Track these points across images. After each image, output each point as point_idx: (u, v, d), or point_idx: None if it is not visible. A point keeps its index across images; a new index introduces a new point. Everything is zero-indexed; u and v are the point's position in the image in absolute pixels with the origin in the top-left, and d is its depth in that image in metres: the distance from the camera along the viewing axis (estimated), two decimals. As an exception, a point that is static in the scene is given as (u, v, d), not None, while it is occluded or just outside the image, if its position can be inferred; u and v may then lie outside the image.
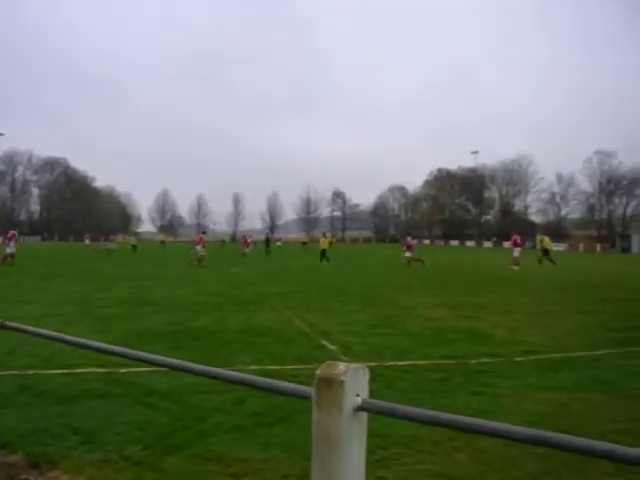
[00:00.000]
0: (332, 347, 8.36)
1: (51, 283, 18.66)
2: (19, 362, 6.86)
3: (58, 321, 10.35)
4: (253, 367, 7.00)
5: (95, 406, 5.34)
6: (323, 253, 32.72)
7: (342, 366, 2.19)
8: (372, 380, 6.01)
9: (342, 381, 2.12)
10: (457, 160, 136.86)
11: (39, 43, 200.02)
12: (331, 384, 2.13)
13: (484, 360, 7.58)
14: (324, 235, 37.55)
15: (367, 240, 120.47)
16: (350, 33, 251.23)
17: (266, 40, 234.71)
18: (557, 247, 65.95)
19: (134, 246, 53.55)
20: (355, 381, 2.19)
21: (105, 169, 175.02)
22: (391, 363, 7.33)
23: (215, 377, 2.76)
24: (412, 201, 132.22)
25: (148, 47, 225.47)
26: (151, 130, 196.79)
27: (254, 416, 5.01)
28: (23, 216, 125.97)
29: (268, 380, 2.51)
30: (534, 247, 50.13)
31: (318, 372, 2.19)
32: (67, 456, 4.10)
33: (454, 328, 10.08)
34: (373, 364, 7.23)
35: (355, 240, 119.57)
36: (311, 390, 2.23)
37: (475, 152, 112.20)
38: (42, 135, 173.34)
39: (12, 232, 28.69)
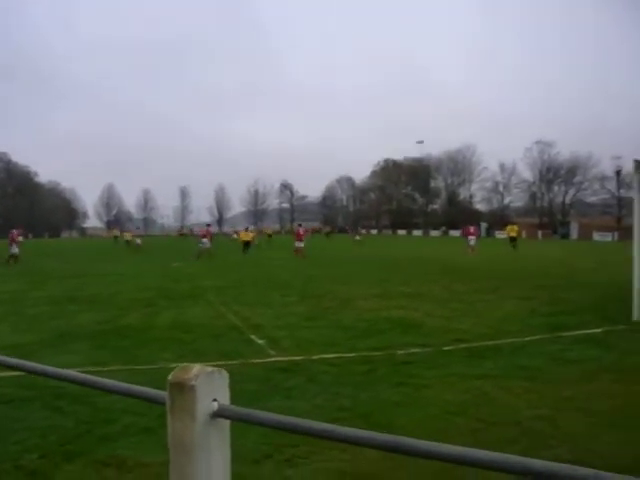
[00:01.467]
0: (260, 341, 8.21)
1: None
2: None
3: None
4: (174, 365, 6.76)
5: (0, 412, 5.06)
6: (246, 245, 34.66)
7: (195, 369, 2.03)
8: (295, 374, 5.89)
9: (193, 386, 1.95)
10: (405, 151, 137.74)
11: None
12: (182, 389, 1.97)
13: (412, 350, 7.56)
14: (246, 229, 40.19)
15: (316, 231, 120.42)
16: (303, 31, 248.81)
17: (220, 35, 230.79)
18: (501, 235, 67.38)
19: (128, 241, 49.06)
20: (210, 385, 2.02)
21: (48, 164, 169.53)
22: (317, 356, 7.22)
23: (68, 380, 2.53)
24: (360, 192, 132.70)
25: (96, 36, 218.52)
26: (94, 123, 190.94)
27: (165, 416, 4.77)
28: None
29: (124, 384, 2.33)
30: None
31: (169, 377, 2.02)
32: (-48, 469, 3.84)
33: (387, 318, 10.03)
34: (299, 358, 7.13)
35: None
36: (165, 395, 2.06)
37: (420, 142, 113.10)
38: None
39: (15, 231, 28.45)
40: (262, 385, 5.93)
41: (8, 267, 24.88)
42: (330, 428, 1.81)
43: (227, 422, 2.12)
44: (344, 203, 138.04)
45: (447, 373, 6.38)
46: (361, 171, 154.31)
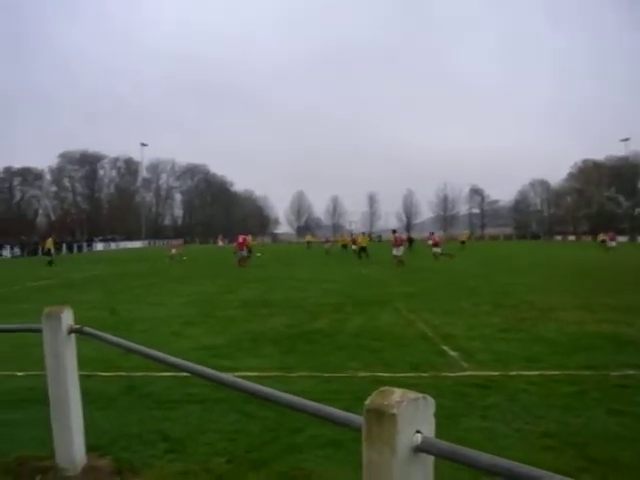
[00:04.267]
0: (452, 353, 7.76)
1: (182, 285, 19.40)
2: (132, 363, 6.96)
3: (179, 322, 10.61)
4: (362, 374, 6.61)
5: (192, 412, 5.23)
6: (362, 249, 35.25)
7: (397, 395, 1.74)
8: (492, 391, 5.39)
9: (394, 415, 1.67)
10: (606, 150, 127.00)
11: (170, 61, 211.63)
12: (382, 417, 1.69)
13: (628, 372, 6.61)
14: (363, 234, 42.35)
15: (508, 237, 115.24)
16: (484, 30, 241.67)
17: (396, 39, 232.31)
18: None
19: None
20: (414, 414, 1.72)
21: (243, 174, 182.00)
22: (516, 373, 6.62)
23: (261, 397, 2.36)
24: (555, 195, 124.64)
25: (276, 50, 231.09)
26: (284, 133, 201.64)
27: (355, 430, 4.55)
28: (168, 221, 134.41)
29: (315, 404, 2.11)
30: None
31: (367, 402, 1.76)
32: (150, 465, 3.98)
33: (594, 333, 9.00)
34: (495, 373, 6.59)
35: (495, 237, 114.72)
36: (360, 421, 1.80)
37: (625, 139, 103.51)
38: (182, 144, 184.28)
39: (243, 237, 31.52)
40: (456, 402, 5.51)
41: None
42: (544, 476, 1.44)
43: (431, 458, 1.81)
44: (538, 208, 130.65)
45: (676, 403, 5.47)
46: (557, 173, 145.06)
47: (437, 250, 33.87)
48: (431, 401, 1.79)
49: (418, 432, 1.71)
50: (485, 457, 1.59)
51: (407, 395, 1.73)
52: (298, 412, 2.19)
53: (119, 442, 4.42)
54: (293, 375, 6.61)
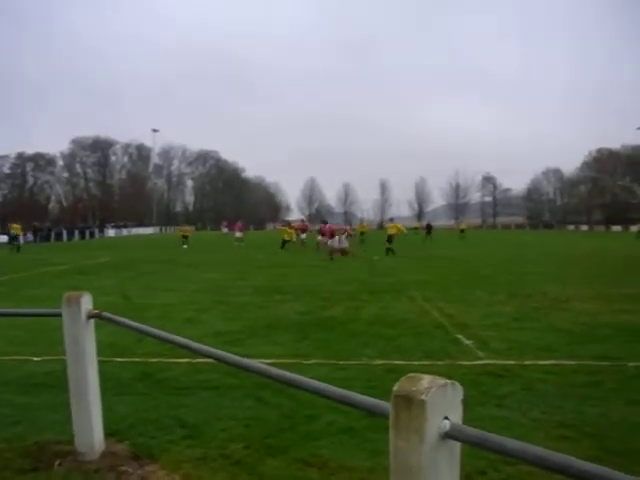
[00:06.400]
0: (467, 342, 7.74)
1: (194, 271, 19.49)
2: (146, 349, 7.02)
3: (192, 308, 10.66)
4: (378, 362, 6.61)
5: (207, 398, 5.25)
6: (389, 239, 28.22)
7: (425, 381, 1.73)
8: (508, 380, 5.37)
9: (423, 401, 1.65)
10: (622, 139, 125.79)
11: (180, 46, 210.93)
12: (410, 404, 1.68)
13: (646, 363, 6.57)
14: (391, 220, 33.91)
15: (520, 226, 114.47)
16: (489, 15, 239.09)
17: (407, 24, 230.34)
18: None
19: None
20: (442, 401, 1.71)
21: (254, 160, 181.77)
22: (531, 362, 6.59)
23: (288, 383, 2.37)
24: (569, 184, 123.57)
25: (288, 33, 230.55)
26: (295, 120, 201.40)
27: (368, 417, 4.49)
28: (179, 207, 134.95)
29: (342, 391, 2.10)
30: None
31: (395, 388, 1.75)
32: (168, 450, 4.00)
33: (609, 324, 8.92)
34: (510, 362, 6.57)
35: (507, 226, 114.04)
36: (387, 407, 1.79)
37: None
38: (194, 130, 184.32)
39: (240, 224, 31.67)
40: (471, 390, 5.48)
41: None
42: (573, 463, 1.42)
43: (458, 445, 1.80)
44: (551, 197, 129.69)
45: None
46: (570, 162, 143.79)
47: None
48: (459, 387, 1.78)
49: (446, 418, 1.70)
50: (514, 443, 1.58)
51: (436, 381, 1.72)
52: (324, 398, 2.19)
53: (136, 428, 4.45)
54: (308, 362, 6.61)
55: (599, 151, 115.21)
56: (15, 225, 37.83)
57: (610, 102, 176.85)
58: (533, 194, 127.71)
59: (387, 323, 9.10)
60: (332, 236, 26.92)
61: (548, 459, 1.51)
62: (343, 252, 25.41)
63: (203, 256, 28.06)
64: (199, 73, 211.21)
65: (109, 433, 4.09)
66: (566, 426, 4.55)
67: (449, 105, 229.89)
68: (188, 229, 39.33)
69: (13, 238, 36.41)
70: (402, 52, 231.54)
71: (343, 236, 26.71)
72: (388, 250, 27.06)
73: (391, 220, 33.44)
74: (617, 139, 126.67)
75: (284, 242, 31.65)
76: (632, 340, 7.79)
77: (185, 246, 36.52)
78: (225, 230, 64.65)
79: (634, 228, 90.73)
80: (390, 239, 27.83)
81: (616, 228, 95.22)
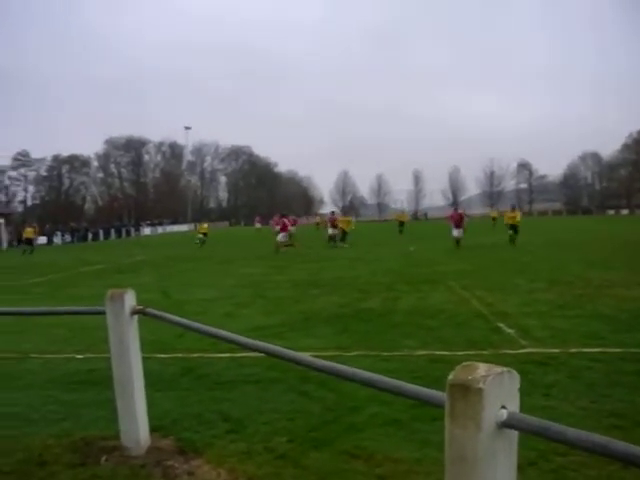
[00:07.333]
0: (509, 330, 7.63)
1: (230, 266, 19.66)
2: (187, 345, 7.08)
3: (231, 303, 10.74)
4: (420, 352, 6.56)
5: (249, 392, 5.27)
6: (514, 228, 25.86)
7: (482, 369, 1.69)
8: (554, 369, 5.27)
9: (480, 389, 1.61)
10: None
11: (209, 42, 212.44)
12: (467, 392, 1.64)
13: (695, 349, 6.38)
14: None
15: (557, 213, 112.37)
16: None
17: (435, 10, 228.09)
18: None
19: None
20: (500, 389, 1.67)
21: (286, 154, 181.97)
22: (577, 350, 6.46)
23: (338, 375, 2.35)
24: (608, 168, 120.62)
25: (318, 29, 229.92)
26: (326, 112, 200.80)
27: (414, 408, 4.45)
28: (213, 204, 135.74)
29: (395, 381, 2.07)
30: None
31: (451, 377, 1.71)
32: (212, 445, 4.02)
33: (656, 310, 8.72)
34: (555, 350, 6.45)
35: (544, 213, 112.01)
36: (444, 397, 1.76)
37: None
38: (226, 126, 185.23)
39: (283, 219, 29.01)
40: (517, 379, 5.40)
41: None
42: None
43: (515, 434, 1.76)
44: (589, 181, 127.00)
45: None
46: (609, 145, 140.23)
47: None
48: (516, 375, 1.74)
49: (503, 407, 1.66)
50: (575, 432, 1.54)
51: (493, 369, 1.68)
52: (377, 389, 2.16)
53: (180, 423, 4.48)
54: (350, 354, 6.59)
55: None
56: (28, 229, 37.58)
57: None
58: (570, 179, 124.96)
59: (426, 314, 9.03)
60: (284, 230, 27.20)
61: (609, 447, 1.46)
62: (287, 245, 26.43)
63: (235, 252, 28.19)
64: (228, 69, 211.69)
65: (154, 428, 4.12)
66: (617, 415, 4.44)
67: (481, 93, 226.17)
68: (205, 226, 37.84)
69: (26, 241, 36.01)
70: (432, 40, 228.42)
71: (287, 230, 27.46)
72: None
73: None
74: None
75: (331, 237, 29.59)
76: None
77: (197, 242, 34.24)
78: (258, 225, 64.86)
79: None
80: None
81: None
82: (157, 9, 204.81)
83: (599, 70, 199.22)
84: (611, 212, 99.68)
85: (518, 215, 27.15)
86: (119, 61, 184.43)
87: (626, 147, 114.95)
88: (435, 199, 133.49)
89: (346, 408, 4.71)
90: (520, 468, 3.51)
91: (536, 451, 3.66)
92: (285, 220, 27.98)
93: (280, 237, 26.58)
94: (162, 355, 6.77)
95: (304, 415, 4.60)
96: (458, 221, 25.26)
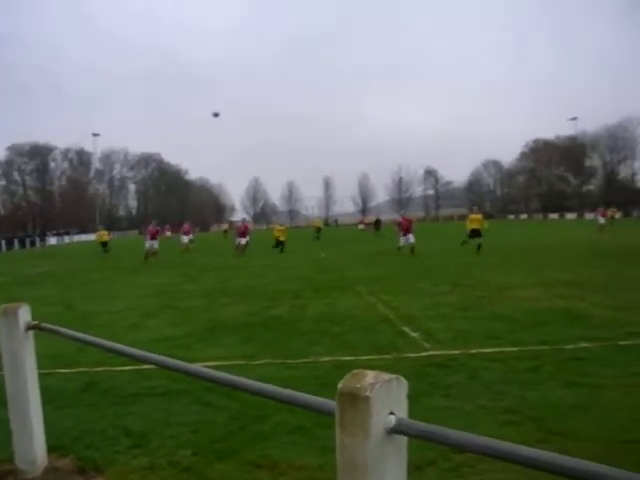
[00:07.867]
0: (413, 334, 7.85)
1: (137, 277, 19.15)
2: (90, 358, 6.83)
3: (137, 314, 10.48)
4: (326, 358, 6.64)
5: (154, 405, 5.16)
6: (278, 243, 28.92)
7: (370, 377, 1.74)
8: (454, 370, 5.47)
9: (367, 397, 1.66)
10: (556, 129, 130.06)
11: (122, 49, 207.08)
12: (355, 401, 1.68)
13: (582, 345, 6.82)
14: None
15: (462, 217, 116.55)
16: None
17: (347, 23, 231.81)
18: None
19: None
20: (387, 396, 1.72)
21: (196, 162, 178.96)
22: (476, 350, 6.75)
23: (231, 385, 2.35)
24: (508, 175, 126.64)
25: (225, 30, 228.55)
26: (237, 119, 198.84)
27: (317, 415, 4.51)
28: (122, 212, 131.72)
29: (288, 391, 2.10)
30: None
31: (340, 385, 1.75)
32: (114, 461, 3.92)
33: (549, 309, 9.24)
34: (456, 352, 6.71)
35: (450, 218, 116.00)
36: (333, 406, 1.79)
37: (573, 119, 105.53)
38: (135, 133, 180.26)
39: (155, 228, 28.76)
40: (418, 382, 5.55)
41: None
42: (514, 449, 1.46)
43: (404, 439, 1.82)
44: (491, 187, 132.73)
45: (628, 372, 5.63)
46: (509, 153, 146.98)
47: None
48: (404, 382, 1.79)
49: (391, 414, 1.72)
50: (457, 434, 1.61)
51: (380, 377, 1.73)
52: (271, 400, 2.18)
53: (81, 440, 4.33)
54: (255, 363, 6.58)
55: (535, 142, 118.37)
56: None
57: (546, 94, 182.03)
58: (474, 185, 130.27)
59: (333, 320, 9.15)
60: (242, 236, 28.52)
61: (491, 447, 1.54)
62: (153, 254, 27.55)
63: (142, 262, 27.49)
64: (140, 73, 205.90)
65: (52, 448, 3.96)
66: (510, 411, 4.68)
67: (390, 102, 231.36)
68: (104, 233, 35.11)
69: None
70: (345, 49, 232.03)
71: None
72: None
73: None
74: (552, 130, 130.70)
75: (278, 242, 29.21)
76: (569, 324, 8.08)
77: (98, 257, 31.79)
78: (168, 234, 63.75)
79: (570, 216, 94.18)
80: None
81: (553, 216, 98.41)
82: (59, 11, 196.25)
83: (498, 79, 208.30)
84: (511, 216, 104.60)
85: (480, 217, 25.19)
86: (22, 65, 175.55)
87: (523, 155, 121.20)
88: (345, 206, 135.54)
89: (251, 417, 4.69)
90: (419, 468, 3.68)
91: (435, 451, 3.78)
92: (245, 226, 29.88)
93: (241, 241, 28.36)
94: (63, 370, 6.51)
95: (209, 426, 4.56)
96: (408, 227, 24.19)
